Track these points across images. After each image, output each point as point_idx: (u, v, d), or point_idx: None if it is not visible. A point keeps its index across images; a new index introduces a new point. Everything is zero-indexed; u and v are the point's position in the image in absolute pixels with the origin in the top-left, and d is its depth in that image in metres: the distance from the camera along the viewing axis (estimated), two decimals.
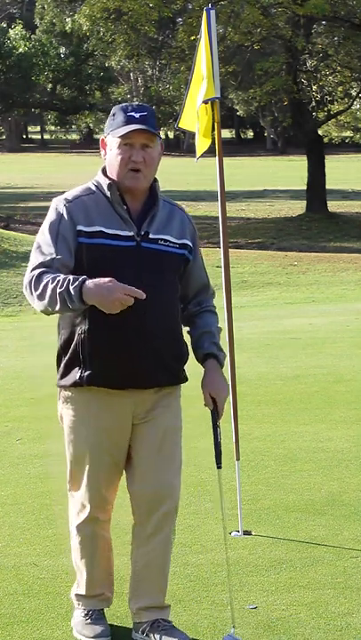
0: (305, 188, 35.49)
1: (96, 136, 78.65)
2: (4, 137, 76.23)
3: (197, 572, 5.39)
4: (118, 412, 4.41)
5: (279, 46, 33.83)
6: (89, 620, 4.60)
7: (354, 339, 13.71)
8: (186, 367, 4.56)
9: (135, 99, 48.16)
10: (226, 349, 4.87)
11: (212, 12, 6.20)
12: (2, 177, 51.63)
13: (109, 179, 4.40)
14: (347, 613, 4.83)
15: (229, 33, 31.38)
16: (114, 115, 4.40)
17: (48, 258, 4.27)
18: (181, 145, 66.30)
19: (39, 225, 4.52)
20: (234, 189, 40.71)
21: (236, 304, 13.00)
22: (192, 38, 29.18)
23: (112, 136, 4.37)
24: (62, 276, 4.16)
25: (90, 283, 4.09)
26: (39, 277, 4.22)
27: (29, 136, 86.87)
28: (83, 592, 4.63)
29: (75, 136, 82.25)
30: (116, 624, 4.69)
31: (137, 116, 4.34)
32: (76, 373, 4.39)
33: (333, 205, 36.15)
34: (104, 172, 4.44)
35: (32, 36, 45.55)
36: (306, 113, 34.21)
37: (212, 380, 4.54)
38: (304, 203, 35.67)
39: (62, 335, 4.45)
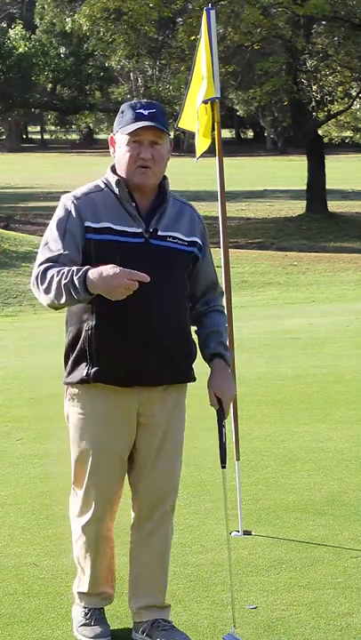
0: (305, 187, 35.51)
1: (96, 136, 78.68)
2: (4, 137, 76.21)
3: (197, 572, 5.39)
4: (124, 409, 4.40)
5: (279, 46, 33.84)
6: (89, 621, 4.60)
7: (354, 339, 13.71)
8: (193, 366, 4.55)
9: (135, 99, 48.10)
10: None
11: (212, 12, 6.20)
12: (2, 177, 51.64)
13: (118, 176, 4.39)
14: (347, 613, 4.83)
15: (229, 33, 31.40)
16: (122, 112, 4.39)
17: (55, 254, 4.27)
18: (181, 145, 66.30)
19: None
20: (234, 189, 40.72)
21: (236, 304, 12.95)
22: (192, 38, 29.20)
23: (121, 133, 4.36)
24: (66, 269, 4.16)
25: (93, 271, 4.09)
26: (45, 272, 4.22)
27: (29, 136, 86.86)
28: (85, 590, 4.62)
29: (75, 136, 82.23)
30: (116, 624, 4.69)
31: (146, 113, 4.33)
32: (82, 370, 4.38)
33: (333, 205, 36.16)
34: (113, 169, 4.44)
35: (32, 36, 45.53)
36: (306, 113, 34.22)
37: (217, 379, 4.53)
38: (304, 203, 35.68)
39: (70, 332, 4.44)
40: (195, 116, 6.20)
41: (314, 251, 29.12)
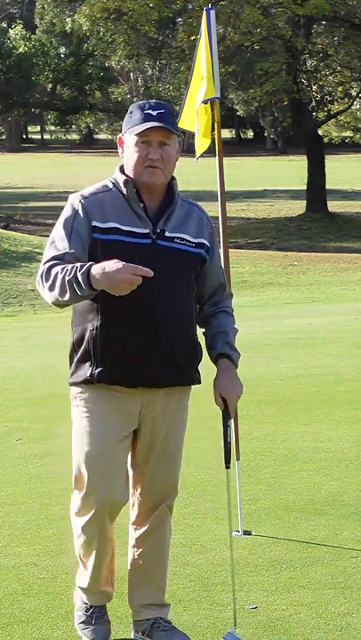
0: (305, 188, 35.51)
1: (96, 136, 78.65)
2: (4, 137, 76.20)
3: (197, 572, 5.39)
4: (127, 410, 4.38)
5: (279, 46, 33.85)
6: (91, 619, 4.58)
7: (354, 339, 13.72)
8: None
9: (135, 99, 48.15)
10: None
11: (212, 12, 6.20)
12: (2, 177, 51.62)
13: (127, 176, 4.39)
14: (347, 613, 4.83)
15: (229, 33, 31.41)
16: (131, 112, 4.38)
17: (61, 252, 4.27)
18: (181, 145, 66.25)
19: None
20: (234, 189, 40.70)
21: (236, 304, 12.99)
22: (192, 38, 29.20)
23: (129, 134, 4.35)
24: (70, 265, 4.16)
25: (97, 266, 4.09)
26: (50, 269, 4.23)
27: (29, 136, 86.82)
28: (85, 586, 4.61)
29: (75, 136, 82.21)
30: (116, 624, 4.69)
31: (154, 113, 4.32)
32: (86, 370, 4.37)
33: (333, 205, 36.16)
34: (121, 169, 4.43)
35: (32, 36, 45.60)
36: (306, 113, 34.23)
37: (223, 380, 4.51)
38: (304, 203, 35.68)
39: (75, 332, 4.43)
40: (194, 115, 6.20)
41: (314, 251, 29.14)
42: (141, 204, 4.36)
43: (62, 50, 46.97)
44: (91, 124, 64.11)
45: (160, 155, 4.33)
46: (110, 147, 64.27)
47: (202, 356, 4.50)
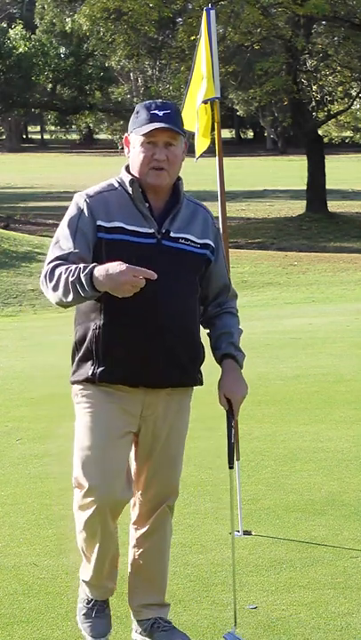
0: (305, 188, 35.51)
1: (96, 136, 78.62)
2: (4, 137, 76.19)
3: (197, 572, 5.39)
4: (128, 410, 4.37)
5: (279, 46, 33.85)
6: (91, 612, 4.56)
7: (354, 339, 13.72)
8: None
9: (135, 99, 48.17)
10: None
11: (212, 12, 6.20)
12: (2, 177, 51.63)
13: (132, 176, 4.39)
14: (347, 613, 4.83)
15: (229, 33, 31.42)
16: (137, 112, 4.37)
17: (66, 252, 4.27)
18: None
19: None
20: (234, 189, 40.70)
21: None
22: (192, 38, 29.19)
23: (135, 134, 4.35)
24: (74, 266, 4.16)
25: (100, 268, 4.09)
26: (53, 270, 4.22)
27: (29, 136, 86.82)
28: (87, 579, 4.58)
29: (75, 136, 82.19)
30: (116, 624, 4.69)
31: (160, 114, 4.32)
32: (88, 369, 4.37)
33: (333, 205, 36.16)
34: (127, 169, 4.43)
35: (32, 36, 45.56)
36: (306, 113, 34.24)
37: (227, 380, 4.51)
38: (304, 203, 35.68)
39: (78, 331, 4.43)
40: (194, 115, 6.20)
41: (314, 251, 29.14)
42: (147, 204, 4.36)
43: (62, 50, 46.93)
44: (91, 124, 64.02)
45: (166, 155, 4.33)
46: (110, 147, 64.32)
47: (204, 356, 4.50)
